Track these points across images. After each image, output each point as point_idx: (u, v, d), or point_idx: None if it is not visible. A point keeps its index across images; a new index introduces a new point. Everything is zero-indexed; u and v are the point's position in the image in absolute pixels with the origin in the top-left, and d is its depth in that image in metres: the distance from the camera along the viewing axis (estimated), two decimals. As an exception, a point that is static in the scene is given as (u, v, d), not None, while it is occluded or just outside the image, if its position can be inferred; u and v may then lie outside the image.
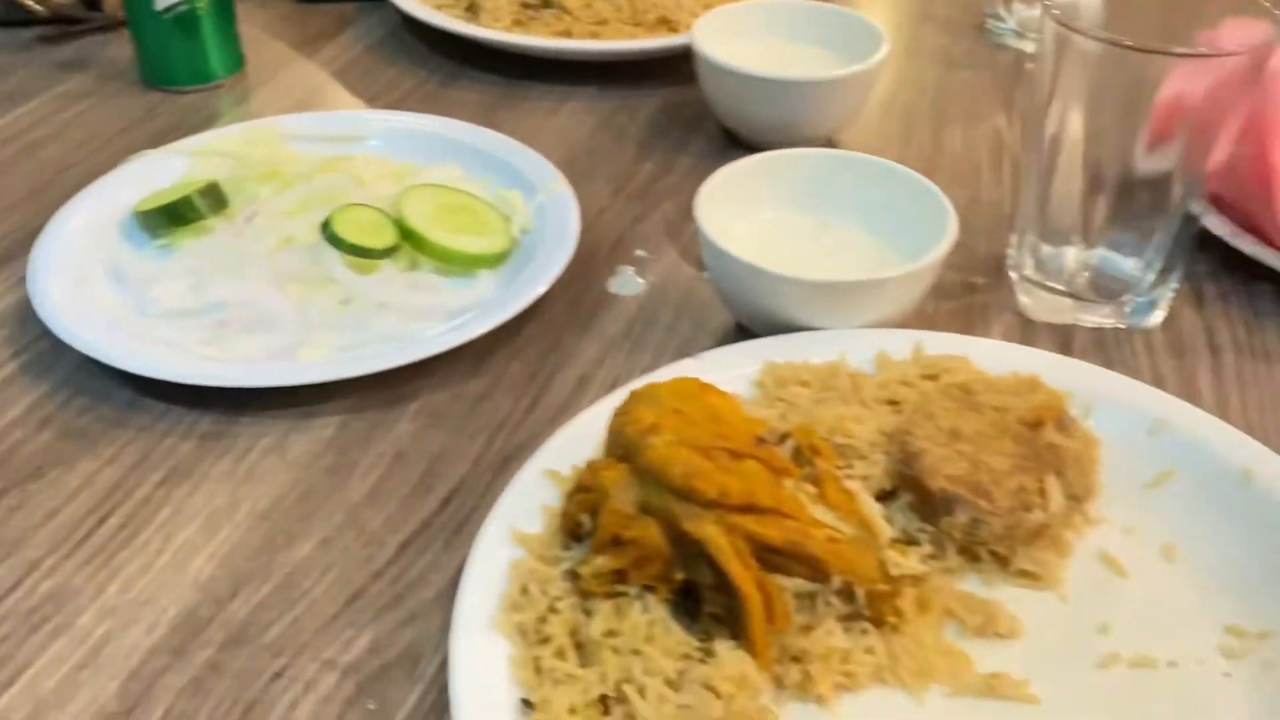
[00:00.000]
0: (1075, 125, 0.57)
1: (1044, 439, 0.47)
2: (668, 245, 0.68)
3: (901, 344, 0.54)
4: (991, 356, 0.53)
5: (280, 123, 0.73)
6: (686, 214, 0.70)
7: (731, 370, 0.53)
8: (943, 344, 0.54)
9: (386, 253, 0.62)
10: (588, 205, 0.71)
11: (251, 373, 0.55)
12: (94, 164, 0.74)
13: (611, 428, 0.44)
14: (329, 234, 0.61)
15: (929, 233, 0.57)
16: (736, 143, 0.77)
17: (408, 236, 0.63)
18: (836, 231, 0.62)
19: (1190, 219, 0.58)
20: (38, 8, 0.89)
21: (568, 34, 0.84)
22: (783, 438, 0.47)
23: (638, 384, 0.49)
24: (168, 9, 0.80)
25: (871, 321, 0.56)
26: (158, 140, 0.75)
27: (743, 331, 0.60)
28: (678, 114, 0.81)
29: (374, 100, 0.83)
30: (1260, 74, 0.53)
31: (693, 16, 0.84)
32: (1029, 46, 0.89)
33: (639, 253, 0.67)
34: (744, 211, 0.62)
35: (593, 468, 0.43)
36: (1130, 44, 0.53)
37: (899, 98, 0.83)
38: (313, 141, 0.72)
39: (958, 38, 0.92)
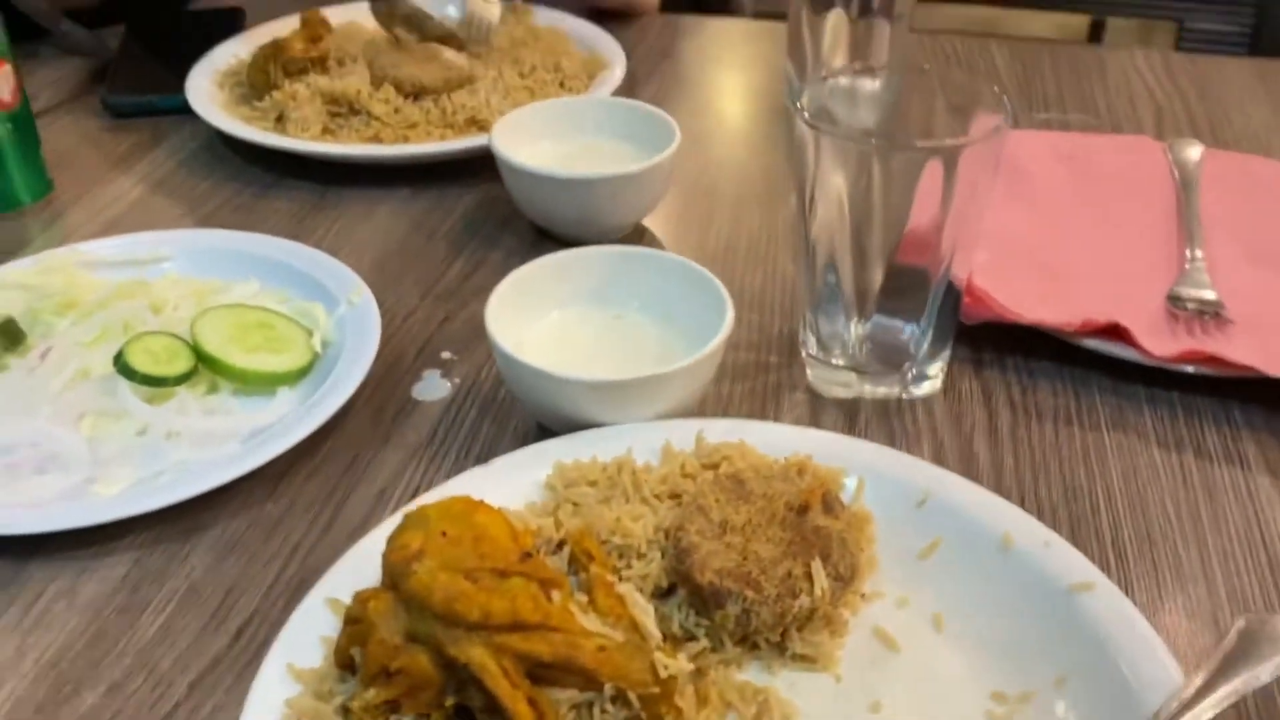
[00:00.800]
0: (837, 211, 0.59)
1: (811, 522, 0.47)
2: (475, 344, 0.68)
3: (687, 434, 0.55)
4: (772, 440, 0.54)
5: (79, 250, 0.71)
6: (494, 312, 0.70)
7: (523, 474, 0.53)
8: (724, 431, 0.55)
9: (181, 379, 0.60)
10: (395, 309, 0.70)
11: (38, 516, 0.53)
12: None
13: (383, 555, 0.44)
14: (121, 365, 0.59)
15: (713, 321, 0.58)
16: (546, 236, 0.78)
17: (204, 360, 0.61)
18: (628, 324, 0.63)
19: (955, 290, 0.60)
20: None
21: (377, 139, 0.84)
22: (558, 545, 0.46)
23: (426, 498, 0.49)
24: (-37, 139, 0.77)
25: (661, 413, 0.56)
26: (-44, 273, 0.72)
27: (544, 430, 0.60)
28: (490, 211, 0.81)
29: (186, 216, 0.81)
30: (998, 160, 0.56)
31: (503, 118, 0.85)
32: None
33: (445, 354, 0.67)
34: (539, 311, 0.62)
35: (360, 598, 0.42)
36: (873, 141, 0.55)
37: (702, 181, 0.85)
38: (113, 266, 0.70)
39: (758, 118, 0.95)
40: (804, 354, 0.65)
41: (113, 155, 0.89)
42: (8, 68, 0.78)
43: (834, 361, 0.62)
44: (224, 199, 0.83)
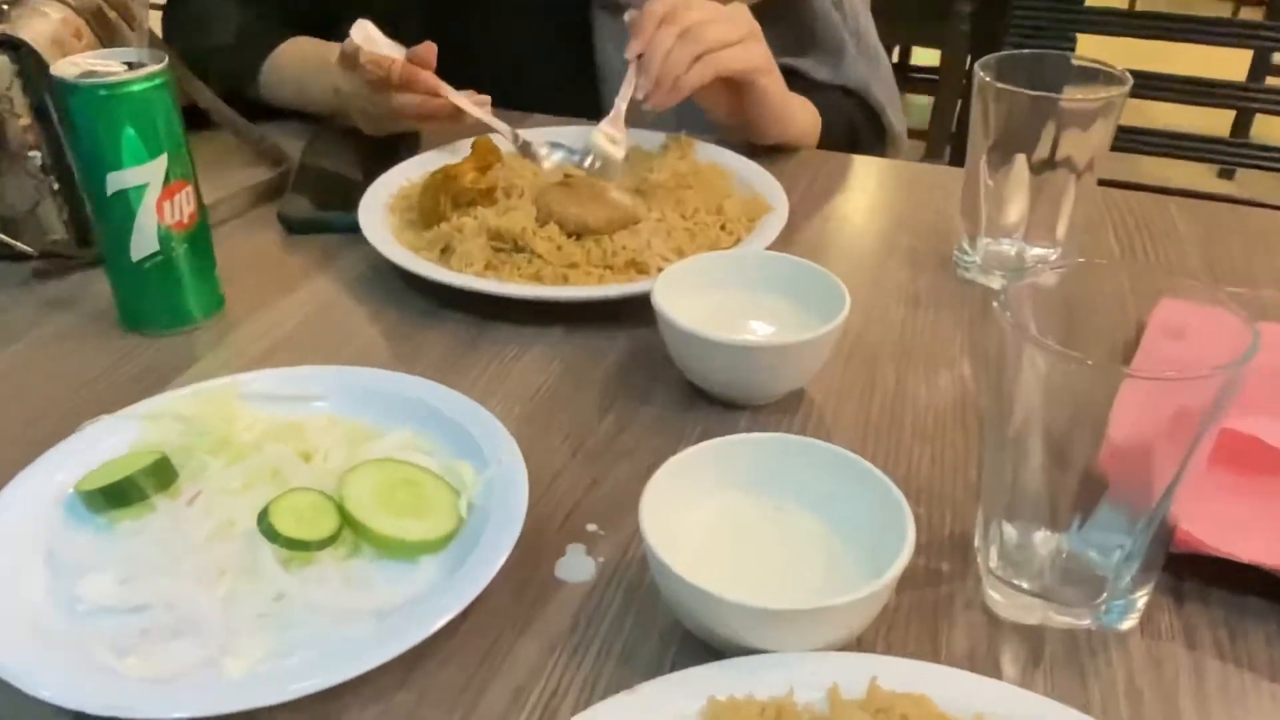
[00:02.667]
0: (1037, 414, 0.51)
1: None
2: (622, 518, 0.61)
3: (858, 674, 0.46)
4: (951, 693, 0.45)
5: (239, 380, 0.67)
6: (643, 477, 0.63)
7: (672, 706, 0.45)
8: (901, 676, 0.46)
9: (324, 544, 0.55)
10: (542, 468, 0.64)
11: (163, 699, 0.48)
12: (62, 413, 0.68)
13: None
14: (265, 527, 0.54)
15: (881, 522, 0.50)
16: (700, 394, 0.71)
17: (349, 522, 0.56)
18: (789, 519, 0.55)
19: (1167, 520, 0.50)
20: (26, 248, 0.85)
21: (538, 277, 0.79)
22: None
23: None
24: (145, 259, 0.75)
25: (830, 642, 0.48)
26: (130, 387, 0.70)
27: (689, 635, 0.52)
28: (642, 359, 0.75)
29: (347, 343, 0.77)
30: (1231, 393, 0.46)
31: (663, 260, 0.79)
32: (995, 282, 0.83)
33: (590, 527, 0.60)
34: (694, 498, 0.55)
35: None
36: (1080, 358, 0.46)
37: (866, 338, 0.77)
38: (270, 400, 0.66)
39: (924, 272, 0.86)
40: (981, 566, 0.55)
41: (283, 272, 0.87)
42: (189, 189, 0.76)
43: (1018, 583, 0.53)
44: (386, 325, 0.79)
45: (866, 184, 1.04)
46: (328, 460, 0.61)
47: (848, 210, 0.98)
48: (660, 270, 0.78)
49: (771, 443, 0.56)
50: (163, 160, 0.72)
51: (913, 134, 1.26)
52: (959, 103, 2.66)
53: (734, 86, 0.96)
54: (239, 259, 0.88)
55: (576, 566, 0.58)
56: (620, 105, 0.95)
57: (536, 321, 0.79)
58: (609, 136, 0.95)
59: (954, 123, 2.89)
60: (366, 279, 0.85)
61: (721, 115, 1.01)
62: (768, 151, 1.04)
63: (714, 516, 0.55)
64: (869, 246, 0.91)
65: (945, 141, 2.95)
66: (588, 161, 0.94)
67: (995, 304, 0.50)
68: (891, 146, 1.22)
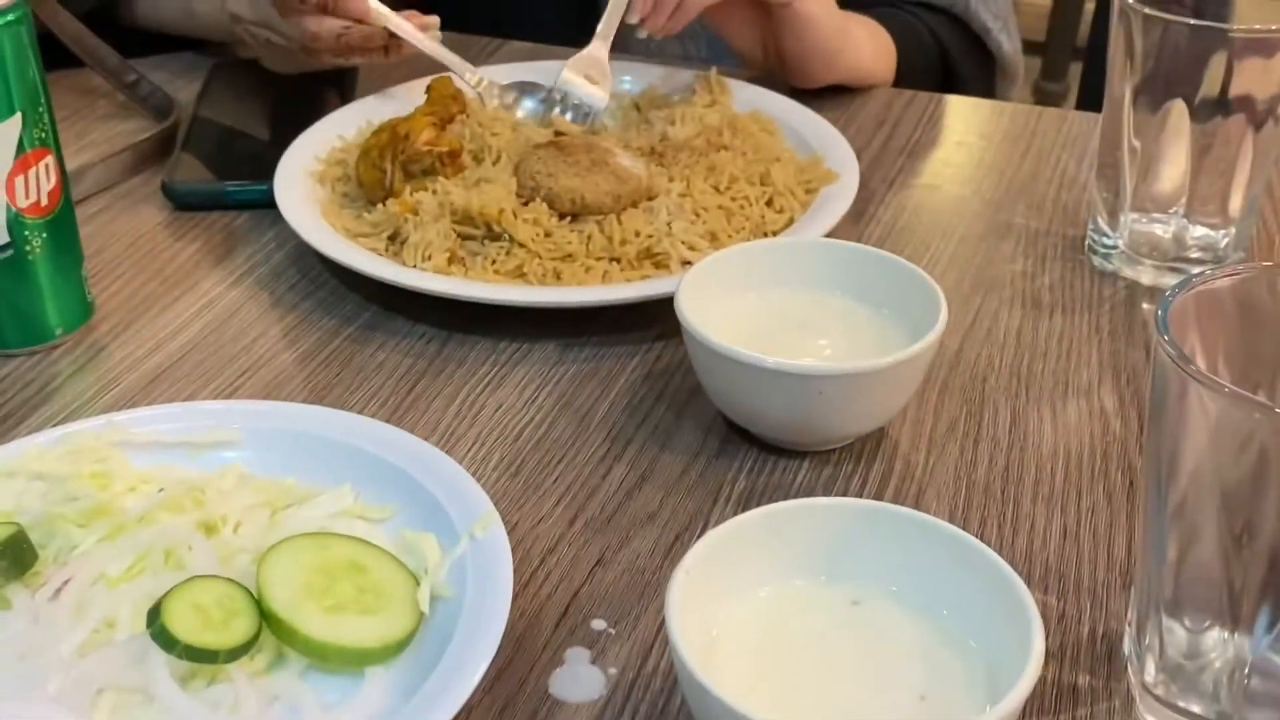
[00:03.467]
0: (1206, 481, 0.51)
1: None
2: (639, 609, 0.61)
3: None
4: None
5: (116, 424, 0.67)
6: (667, 553, 0.64)
7: None
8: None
9: (237, 653, 0.55)
10: (532, 541, 0.65)
11: None
12: None
13: None
14: (158, 631, 0.54)
15: (1000, 629, 0.51)
16: (742, 435, 0.71)
17: (269, 621, 0.56)
18: (870, 619, 0.55)
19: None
20: None
21: (520, 273, 0.79)
22: None
23: None
24: (-13, 254, 0.76)
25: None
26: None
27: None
28: (665, 385, 0.75)
29: (258, 366, 0.77)
30: None
31: (689, 250, 0.80)
32: (1145, 276, 0.84)
33: (597, 624, 0.60)
34: (741, 589, 0.55)
35: None
36: (1268, 406, 0.46)
37: (967, 358, 0.77)
38: (157, 450, 0.67)
39: (1046, 261, 0.86)
40: (1134, 681, 0.56)
41: (171, 266, 0.87)
42: (50, 160, 0.76)
43: (1185, 705, 0.53)
44: (314, 341, 0.80)
45: (966, 137, 1.04)
46: (239, 533, 0.62)
47: (940, 175, 0.98)
48: (686, 265, 0.79)
49: (844, 511, 0.56)
50: (15, 123, 0.72)
51: (1026, 47, 1.25)
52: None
53: (763, 7, 0.96)
54: (111, 249, 0.89)
55: (579, 680, 0.58)
56: (604, 30, 0.95)
57: (519, 335, 0.79)
58: (586, 75, 0.95)
59: (1079, 30, 2.89)
60: (285, 274, 0.86)
61: (750, 48, 1.02)
62: (828, 94, 1.04)
63: (768, 613, 0.55)
64: (970, 228, 0.91)
65: (1069, 57, 2.95)
66: (567, 111, 0.95)
67: (1154, 325, 0.50)
68: (1002, 76, 1.22)
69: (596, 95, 0.95)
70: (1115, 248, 0.85)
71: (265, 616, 0.57)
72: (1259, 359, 0.55)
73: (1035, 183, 0.96)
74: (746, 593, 0.55)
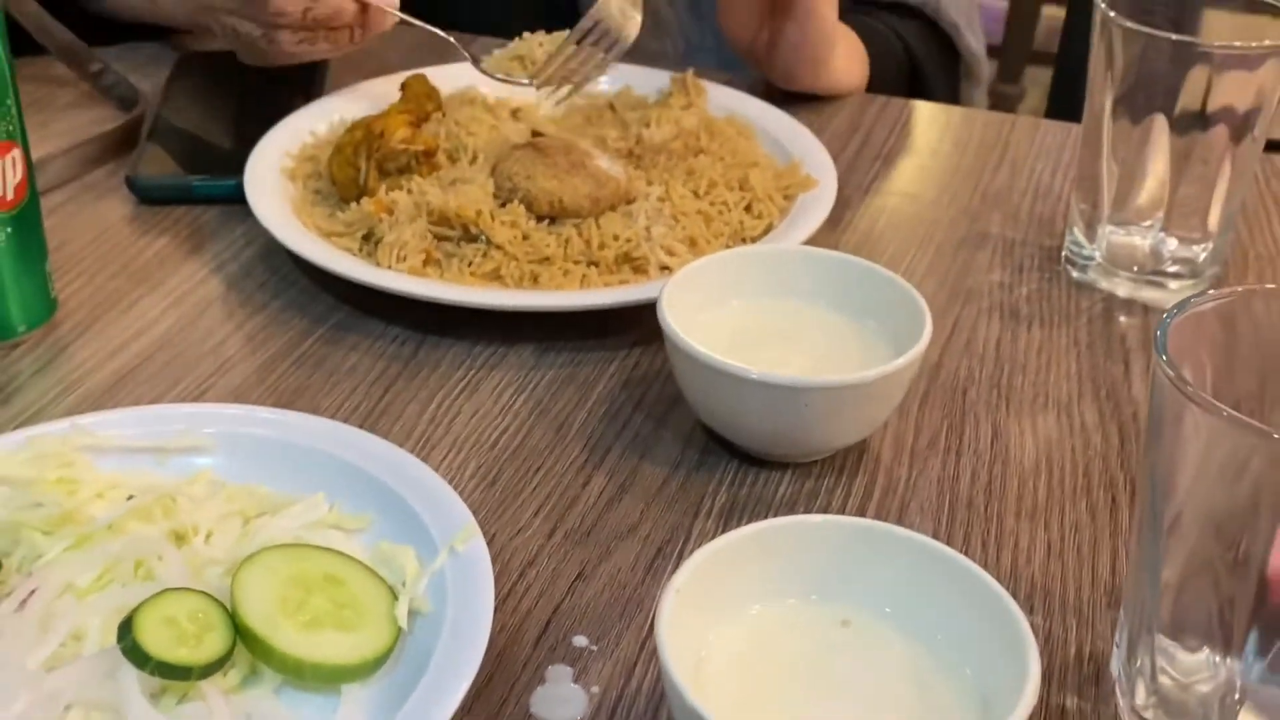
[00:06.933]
0: (1201, 501, 0.50)
1: None
2: (621, 624, 0.60)
3: None
4: None
5: (82, 427, 0.65)
6: (649, 567, 0.63)
7: None
8: None
9: (210, 669, 0.53)
10: (511, 553, 0.63)
11: None
12: None
13: None
14: (128, 645, 0.52)
15: (992, 651, 0.50)
16: (723, 445, 0.70)
17: (243, 636, 0.55)
18: (862, 638, 0.54)
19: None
20: None
21: (497, 275, 0.77)
22: None
23: None
24: (-54, 248, 0.73)
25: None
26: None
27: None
28: (645, 392, 0.74)
29: (228, 368, 0.75)
30: None
31: (668, 255, 0.79)
32: (1121, 288, 0.83)
33: (579, 640, 0.59)
34: (732, 607, 0.54)
35: None
36: (1266, 431, 0.46)
37: (948, 369, 0.76)
38: (124, 455, 0.64)
39: (1023, 272, 0.86)
40: (1122, 705, 0.55)
41: (137, 261, 0.85)
42: (17, 152, 0.74)
43: (1177, 730, 0.53)
44: (286, 343, 0.77)
45: (940, 145, 1.03)
46: (211, 543, 0.60)
47: (915, 183, 0.97)
48: (665, 269, 0.78)
49: (837, 530, 0.55)
50: (-22, 113, 0.70)
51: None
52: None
53: None
54: (75, 243, 0.86)
55: (560, 698, 0.56)
56: None
57: (496, 339, 0.77)
58: (620, 9, 0.91)
59: (1034, 34, 2.90)
60: (255, 273, 0.84)
61: (742, 30, 1.00)
62: (801, 99, 1.03)
63: (757, 632, 0.54)
64: (947, 237, 0.90)
65: (1025, 60, 2.96)
66: (599, 39, 0.91)
67: (1154, 348, 0.49)
68: (967, 76, 1.22)
69: (628, 29, 0.92)
70: (1093, 259, 0.84)
71: (239, 631, 0.55)
72: (1253, 381, 0.55)
73: (1010, 193, 0.95)
74: (736, 611, 0.54)
